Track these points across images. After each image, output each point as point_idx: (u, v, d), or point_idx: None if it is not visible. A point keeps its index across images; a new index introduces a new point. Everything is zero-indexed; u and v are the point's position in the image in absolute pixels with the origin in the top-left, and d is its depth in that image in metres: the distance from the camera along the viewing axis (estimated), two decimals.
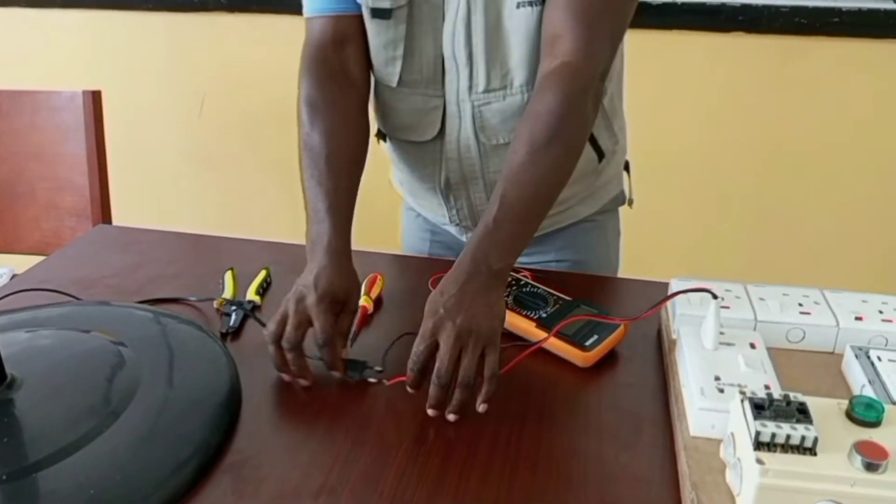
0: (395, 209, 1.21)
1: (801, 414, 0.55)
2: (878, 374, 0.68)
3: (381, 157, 1.16)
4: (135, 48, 2.03)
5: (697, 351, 0.70)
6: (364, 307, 0.86)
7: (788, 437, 0.53)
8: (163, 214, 2.19)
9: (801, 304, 0.78)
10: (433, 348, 0.70)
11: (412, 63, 0.89)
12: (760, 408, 0.56)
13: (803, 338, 0.76)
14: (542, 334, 0.79)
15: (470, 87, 0.88)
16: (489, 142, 0.91)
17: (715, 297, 0.70)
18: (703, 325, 0.71)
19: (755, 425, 0.54)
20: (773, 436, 0.54)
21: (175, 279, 0.95)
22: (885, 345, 0.74)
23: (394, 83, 0.91)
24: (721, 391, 0.64)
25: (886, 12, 1.64)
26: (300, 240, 1.05)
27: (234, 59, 1.98)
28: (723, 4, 1.69)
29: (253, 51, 1.94)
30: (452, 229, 1.08)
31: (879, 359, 0.69)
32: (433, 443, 0.68)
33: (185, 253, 1.04)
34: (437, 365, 0.68)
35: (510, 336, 0.82)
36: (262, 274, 0.93)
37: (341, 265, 0.78)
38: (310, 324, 0.74)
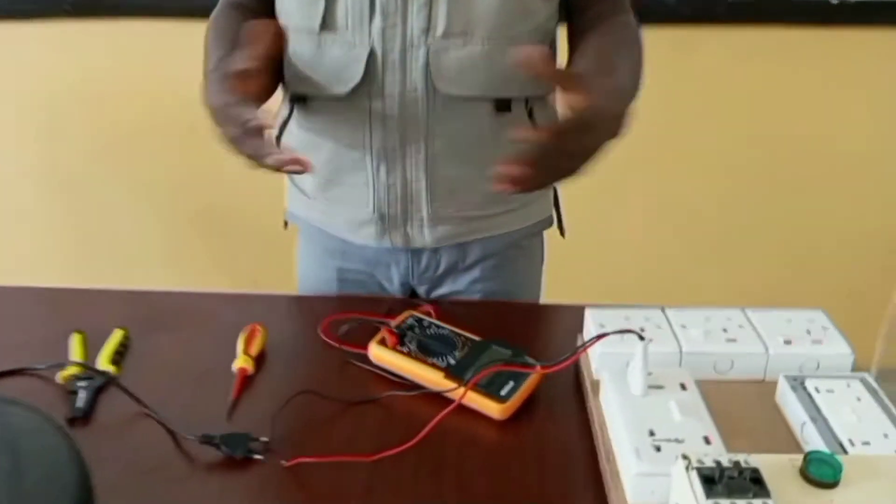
0: (287, 245, 1.06)
1: (756, 484, 0.48)
2: (818, 409, 0.62)
3: (272, 188, 1.02)
4: None
5: (626, 399, 0.62)
6: (242, 369, 0.74)
7: None
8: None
9: (725, 330, 0.72)
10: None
11: (336, 5, 0.80)
12: (710, 480, 0.48)
13: (732, 367, 0.70)
14: (452, 386, 0.70)
15: (427, 30, 0.80)
16: (446, 90, 0.82)
17: (642, 338, 0.63)
18: (630, 370, 0.63)
19: None
20: None
21: (15, 347, 0.79)
22: (817, 368, 0.70)
23: (316, 24, 0.81)
24: (658, 449, 0.57)
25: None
26: (166, 286, 0.91)
27: (85, 70, 1.76)
28: None
29: (105, 61, 1.74)
30: (371, 231, 0.91)
31: (817, 390, 0.64)
32: None
33: (26, 312, 0.87)
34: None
35: (416, 387, 0.72)
36: (118, 335, 0.79)
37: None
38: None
